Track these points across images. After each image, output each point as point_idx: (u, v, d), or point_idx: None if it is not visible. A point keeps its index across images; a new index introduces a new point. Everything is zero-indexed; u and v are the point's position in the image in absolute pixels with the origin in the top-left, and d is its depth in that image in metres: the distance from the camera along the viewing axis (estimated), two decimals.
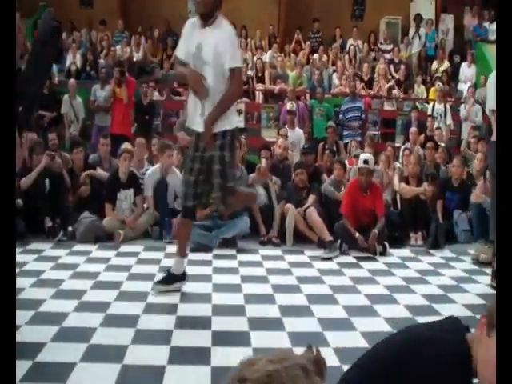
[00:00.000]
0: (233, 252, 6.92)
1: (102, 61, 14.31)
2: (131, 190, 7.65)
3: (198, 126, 4.85)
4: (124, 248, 6.98)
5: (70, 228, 7.21)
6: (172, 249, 6.95)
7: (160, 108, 12.42)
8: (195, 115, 4.88)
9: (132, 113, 11.11)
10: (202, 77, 4.73)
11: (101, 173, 8.13)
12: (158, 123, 12.16)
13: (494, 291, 5.80)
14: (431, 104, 12.89)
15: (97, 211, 7.50)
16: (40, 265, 6.04)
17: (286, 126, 10.91)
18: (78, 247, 6.75)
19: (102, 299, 5.01)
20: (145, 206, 7.78)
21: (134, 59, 15.05)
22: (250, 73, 14.39)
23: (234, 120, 5.01)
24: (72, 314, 4.63)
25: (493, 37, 16.52)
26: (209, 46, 4.72)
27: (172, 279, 5.26)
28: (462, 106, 13.20)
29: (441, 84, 14.27)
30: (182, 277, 5.31)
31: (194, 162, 4.92)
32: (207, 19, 4.76)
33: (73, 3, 16.33)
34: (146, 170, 8.24)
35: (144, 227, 7.58)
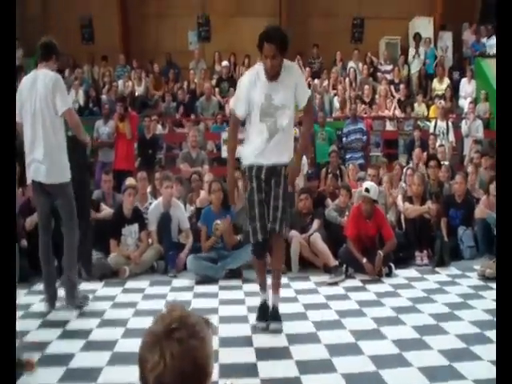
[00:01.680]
0: (239, 283, 6.92)
1: (104, 96, 14.42)
2: (136, 225, 7.69)
3: (264, 159, 5.04)
4: (130, 284, 6.99)
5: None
6: (177, 282, 7.01)
7: (163, 141, 12.48)
8: (260, 149, 5.02)
9: (135, 147, 11.20)
10: (237, 186, 5.26)
11: (104, 211, 8.14)
12: (161, 156, 12.22)
13: None
14: (433, 122, 12.91)
15: (102, 248, 7.53)
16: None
17: None
18: (84, 285, 6.74)
19: (109, 338, 5.03)
20: (149, 240, 7.81)
21: (136, 93, 15.18)
22: None
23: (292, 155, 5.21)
24: (78, 354, 4.64)
25: (491, 51, 16.63)
26: (281, 93, 4.95)
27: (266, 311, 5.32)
28: (463, 121, 13.23)
29: (442, 101, 14.30)
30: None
31: (260, 195, 5.10)
32: (275, 75, 4.93)
33: (75, 39, 16.51)
34: (150, 203, 8.30)
35: (149, 262, 7.60)
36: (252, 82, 5.01)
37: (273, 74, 4.91)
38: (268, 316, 5.23)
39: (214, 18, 17.36)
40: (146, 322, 4.82)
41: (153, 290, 6.71)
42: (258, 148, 5.02)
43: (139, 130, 11.42)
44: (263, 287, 5.39)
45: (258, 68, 5.06)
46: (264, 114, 4.95)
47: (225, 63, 15.88)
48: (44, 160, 5.61)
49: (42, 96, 5.58)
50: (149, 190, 9.09)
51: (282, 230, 5.18)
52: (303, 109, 5.20)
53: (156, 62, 16.53)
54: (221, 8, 17.77)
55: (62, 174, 5.74)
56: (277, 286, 5.32)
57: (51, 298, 5.86)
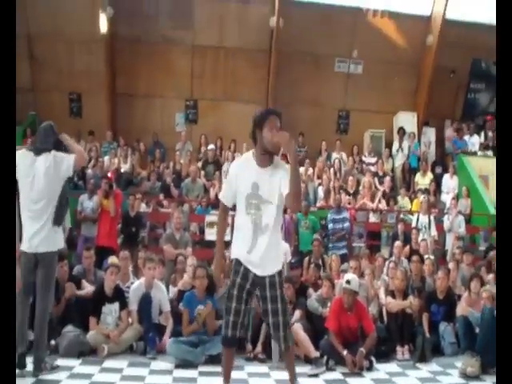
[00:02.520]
0: (218, 369, 6.76)
1: (89, 171, 14.45)
2: (116, 304, 7.61)
3: (252, 265, 4.94)
4: (108, 363, 6.84)
5: (52, 342, 7.03)
6: (156, 365, 6.88)
7: (146, 220, 12.46)
8: (245, 250, 4.93)
9: (118, 224, 11.17)
10: (223, 270, 5.26)
11: (85, 289, 8.06)
12: (145, 235, 12.15)
13: None
14: (415, 216, 13.06)
15: (81, 325, 7.40)
16: (19, 381, 5.66)
17: None
18: (61, 362, 6.58)
19: None
20: (129, 320, 7.69)
21: (122, 170, 15.22)
22: None
23: (281, 261, 5.14)
24: None
25: (473, 149, 17.07)
26: (270, 186, 4.82)
27: None
28: (446, 216, 13.38)
29: (425, 196, 14.52)
30: None
31: (243, 292, 4.98)
32: (268, 160, 4.87)
33: (62, 113, 16.75)
34: (132, 283, 8.24)
35: (128, 342, 7.48)
36: (241, 168, 4.97)
37: (274, 152, 4.82)
38: None
39: (201, 102, 17.72)
40: None
41: (131, 371, 6.59)
42: (244, 246, 4.92)
43: (123, 207, 11.43)
44: (227, 379, 5.27)
45: (248, 156, 5.01)
46: (249, 205, 4.85)
47: (211, 146, 16.06)
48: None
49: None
50: (131, 268, 9.03)
51: (290, 346, 5.08)
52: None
53: (142, 140, 16.70)
54: (209, 93, 18.13)
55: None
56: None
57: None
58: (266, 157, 4.84)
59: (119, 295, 7.75)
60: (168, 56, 17.60)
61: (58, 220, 5.95)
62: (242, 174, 4.90)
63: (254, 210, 4.83)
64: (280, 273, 4.98)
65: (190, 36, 17.61)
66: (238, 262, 4.99)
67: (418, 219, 12.76)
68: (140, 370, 6.62)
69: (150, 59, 17.42)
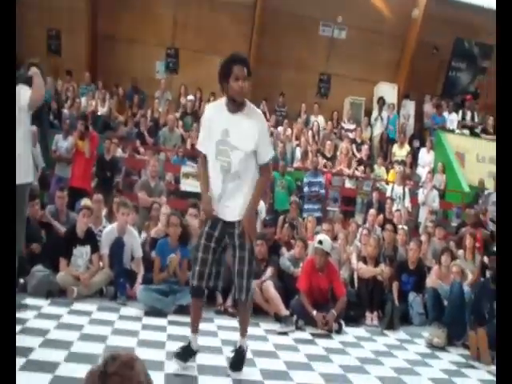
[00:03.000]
0: (188, 319, 6.71)
1: (66, 111, 14.18)
2: (88, 247, 7.52)
3: (221, 213, 4.88)
4: (77, 306, 6.76)
5: (21, 280, 6.92)
6: (126, 311, 6.81)
7: (122, 165, 12.28)
8: (215, 198, 4.88)
9: (93, 167, 10.99)
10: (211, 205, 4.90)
11: (57, 226, 7.95)
12: (119, 180, 11.98)
13: (445, 376, 5.81)
14: (390, 186, 13.10)
15: (51, 265, 7.30)
16: None
17: None
18: (29, 301, 6.47)
19: (50, 359, 4.80)
20: (100, 264, 7.60)
21: (99, 113, 14.96)
22: None
23: None
24: (18, 373, 4.38)
25: (451, 126, 17.13)
26: (240, 133, 4.71)
27: (190, 354, 5.13)
28: (421, 190, 13.45)
29: (401, 167, 14.56)
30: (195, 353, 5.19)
31: (211, 241, 4.92)
32: (239, 106, 4.76)
33: (40, 50, 16.20)
34: (104, 227, 8.14)
35: (98, 286, 7.41)
36: (213, 114, 4.87)
37: (241, 101, 4.74)
38: (187, 358, 5.07)
39: (183, 52, 17.42)
40: (91, 348, 4.64)
41: (100, 315, 6.50)
42: (214, 194, 4.87)
43: (99, 150, 11.23)
44: (194, 329, 5.22)
45: (221, 102, 4.89)
46: (219, 151, 4.76)
47: (190, 97, 15.87)
48: None
49: None
50: (104, 213, 8.90)
51: (248, 299, 5.02)
52: (260, 166, 4.89)
53: (121, 85, 16.39)
54: (191, 43, 17.83)
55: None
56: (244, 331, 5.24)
57: None
58: (236, 104, 4.74)
59: (91, 238, 7.65)
60: (152, 1, 17.26)
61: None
62: (214, 120, 4.80)
63: (223, 157, 4.75)
64: None
65: None
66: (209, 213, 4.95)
67: (392, 189, 12.82)
68: (109, 315, 6.54)
69: (133, 2, 17.07)
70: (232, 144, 4.71)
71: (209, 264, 4.91)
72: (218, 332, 6.48)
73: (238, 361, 5.11)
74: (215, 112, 4.85)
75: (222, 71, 4.68)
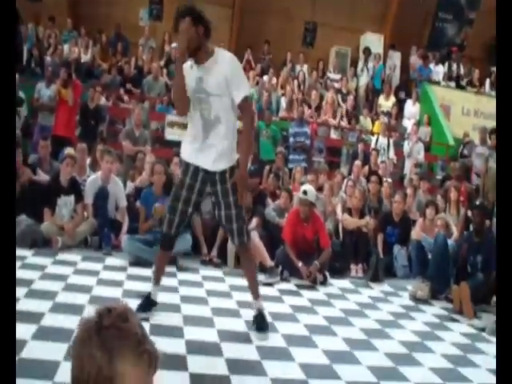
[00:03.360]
0: (173, 269, 6.74)
1: (48, 58, 13.90)
2: (72, 197, 7.45)
3: (202, 161, 4.76)
4: (61, 256, 6.74)
5: None
6: (110, 261, 6.81)
7: (106, 113, 12.11)
8: (195, 147, 4.76)
9: (77, 115, 10.83)
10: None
11: (40, 177, 7.86)
12: (103, 129, 11.83)
13: (428, 329, 5.87)
14: (375, 137, 13.06)
15: (34, 215, 7.24)
16: None
17: None
18: None
19: (35, 309, 4.79)
20: (85, 214, 7.55)
21: (82, 61, 14.69)
22: None
23: (235, 156, 4.89)
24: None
25: (437, 78, 17.04)
26: (212, 78, 4.62)
27: (150, 305, 5.11)
28: (406, 142, 13.43)
29: (385, 118, 14.51)
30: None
31: (190, 192, 4.84)
32: (198, 56, 4.65)
33: None
34: (88, 176, 8.06)
35: (83, 236, 7.38)
36: (187, 66, 4.74)
37: (189, 53, 4.62)
38: (149, 309, 5.06)
39: None
40: (76, 298, 4.60)
41: (85, 266, 6.50)
42: (194, 142, 4.77)
43: (82, 98, 11.06)
44: (156, 279, 5.17)
45: (190, 60, 4.79)
46: (197, 100, 4.67)
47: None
48: None
49: None
50: (88, 162, 8.81)
51: (245, 239, 4.93)
52: (238, 106, 4.74)
53: (105, 32, 16.07)
54: None
55: None
56: (256, 293, 5.13)
57: None
58: (185, 48, 4.62)
59: (75, 187, 7.58)
60: None
61: None
62: (187, 74, 4.67)
63: (202, 105, 4.66)
64: (233, 169, 4.80)
65: None
66: (188, 164, 4.84)
67: (377, 140, 12.78)
68: (94, 265, 6.53)
69: None
70: (207, 90, 4.61)
71: (186, 215, 4.91)
72: (204, 282, 6.50)
73: (261, 323, 5.05)
74: (188, 68, 4.72)
75: (174, 26, 4.65)
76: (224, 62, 4.64)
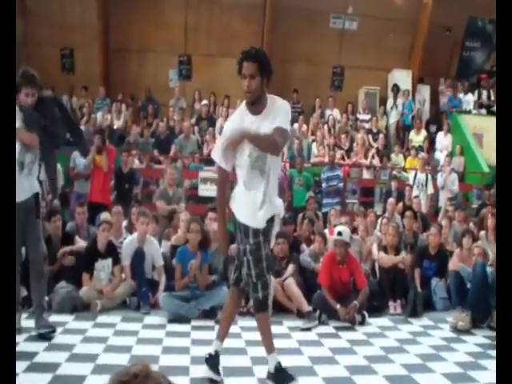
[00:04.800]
0: (211, 323, 6.81)
1: (82, 127, 14.32)
2: (109, 260, 7.60)
3: (263, 216, 4.62)
4: (101, 319, 6.86)
5: (46, 298, 7.05)
6: (149, 320, 6.90)
7: (140, 176, 12.41)
8: (260, 206, 4.59)
9: (111, 181, 11.13)
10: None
11: (78, 244, 8.07)
12: (138, 191, 12.10)
13: (471, 359, 5.81)
14: (413, 173, 13.07)
15: (74, 281, 7.42)
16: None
17: None
18: (54, 318, 6.60)
19: (78, 373, 4.90)
20: (123, 276, 7.70)
21: (115, 126, 15.12)
22: None
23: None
24: None
25: (467, 107, 17.03)
26: (266, 131, 4.42)
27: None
28: (439, 174, 13.39)
29: (423, 153, 14.54)
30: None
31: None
32: (258, 107, 4.53)
33: (54, 69, 16.40)
34: (125, 238, 8.24)
35: (122, 297, 7.51)
36: (235, 122, 4.59)
37: (253, 100, 4.48)
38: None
39: (195, 58, 17.49)
40: (117, 359, 4.74)
41: (124, 326, 6.60)
42: (255, 203, 4.58)
43: (116, 163, 11.36)
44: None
45: (240, 107, 4.68)
46: (254, 159, 4.48)
47: (204, 102, 15.98)
48: None
49: None
50: (124, 224, 9.01)
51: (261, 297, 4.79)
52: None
53: (137, 96, 16.57)
54: (203, 48, 17.94)
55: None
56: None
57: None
58: (251, 104, 4.54)
59: (112, 251, 7.73)
60: (162, 9, 17.44)
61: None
62: (238, 127, 4.50)
63: (260, 162, 4.52)
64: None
65: None
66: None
67: (415, 176, 12.78)
68: (133, 325, 6.63)
69: (143, 12, 17.21)
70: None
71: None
72: (242, 334, 6.54)
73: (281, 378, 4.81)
74: (238, 118, 4.62)
75: (238, 70, 4.52)
76: (276, 106, 4.52)
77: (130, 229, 8.94)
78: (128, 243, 7.88)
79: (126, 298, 7.57)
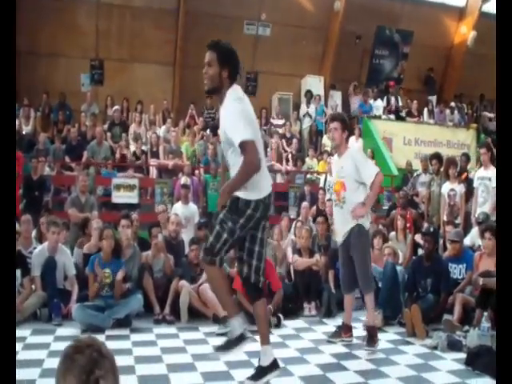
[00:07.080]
0: (126, 332, 6.71)
1: None
2: (18, 271, 7.34)
3: None
4: None
5: None
6: (62, 331, 6.71)
7: (50, 183, 12.09)
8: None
9: (20, 189, 10.79)
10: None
11: None
12: (49, 199, 11.78)
13: (383, 355, 5.99)
14: (323, 176, 13.24)
15: None
16: None
17: (180, 201, 10.89)
18: None
19: None
20: (33, 287, 7.47)
21: (24, 132, 14.64)
22: (144, 148, 14.37)
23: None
24: None
25: (377, 112, 17.47)
26: (221, 124, 4.56)
27: (262, 373, 4.86)
28: None
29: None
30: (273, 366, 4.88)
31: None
32: (219, 95, 4.56)
33: None
34: (34, 248, 7.99)
35: (32, 309, 7.24)
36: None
37: (208, 88, 4.57)
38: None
39: (107, 63, 17.24)
40: (26, 374, 4.55)
41: (35, 339, 6.38)
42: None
43: (25, 170, 11.05)
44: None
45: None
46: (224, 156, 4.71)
47: (116, 107, 15.65)
48: None
49: None
50: (34, 234, 8.75)
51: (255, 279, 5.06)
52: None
53: (47, 101, 16.09)
54: (115, 53, 17.71)
55: None
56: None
57: None
58: (213, 94, 4.64)
59: (21, 261, 7.45)
60: (72, 13, 17.01)
61: None
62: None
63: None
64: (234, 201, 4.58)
65: None
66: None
67: (325, 180, 12.96)
68: (45, 338, 6.42)
69: (53, 16, 16.66)
70: (221, 139, 4.66)
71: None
72: (158, 341, 6.47)
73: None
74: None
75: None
76: (224, 106, 4.53)
77: (40, 238, 8.70)
78: (38, 253, 7.65)
79: (37, 309, 7.30)
